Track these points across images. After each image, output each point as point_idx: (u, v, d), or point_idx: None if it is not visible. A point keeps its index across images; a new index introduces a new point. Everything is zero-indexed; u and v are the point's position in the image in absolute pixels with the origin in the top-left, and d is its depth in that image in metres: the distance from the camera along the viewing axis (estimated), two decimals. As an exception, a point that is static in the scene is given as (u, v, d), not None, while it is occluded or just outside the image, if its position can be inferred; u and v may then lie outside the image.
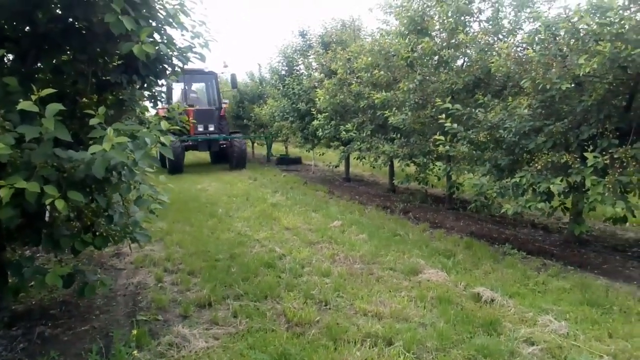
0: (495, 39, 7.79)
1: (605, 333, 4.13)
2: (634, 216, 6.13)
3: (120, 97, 4.02)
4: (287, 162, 19.95)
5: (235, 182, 14.15)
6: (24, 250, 4.37)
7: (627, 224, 6.64)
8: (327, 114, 11.63)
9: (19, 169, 2.84)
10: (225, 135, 17.93)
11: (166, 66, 4.13)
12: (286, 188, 12.93)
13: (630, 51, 4.49)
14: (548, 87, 5.43)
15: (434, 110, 8.09)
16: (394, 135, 9.60)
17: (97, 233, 3.98)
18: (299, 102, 13.68)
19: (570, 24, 5.24)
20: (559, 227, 8.56)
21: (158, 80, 4.24)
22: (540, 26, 5.90)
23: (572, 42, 5.27)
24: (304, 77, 13.90)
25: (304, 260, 6.33)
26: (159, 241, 7.45)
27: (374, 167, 14.08)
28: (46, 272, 3.53)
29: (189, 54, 4.31)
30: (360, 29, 14.31)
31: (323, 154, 16.59)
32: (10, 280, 4.29)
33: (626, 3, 4.80)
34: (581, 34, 5.20)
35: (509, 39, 7.52)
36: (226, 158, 18.26)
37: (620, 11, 4.76)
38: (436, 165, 7.67)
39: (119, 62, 3.95)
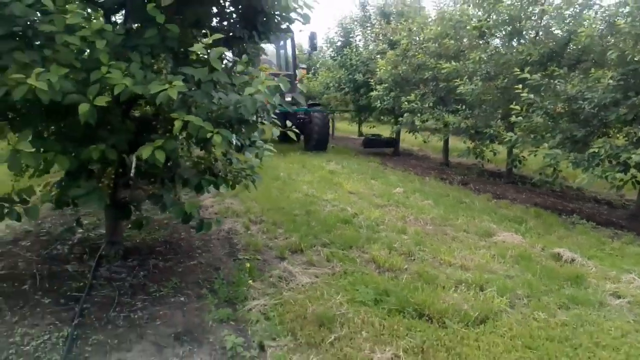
0: (577, 10, 7.76)
1: (690, 293, 4.30)
2: None
3: (244, 51, 4.34)
4: (378, 144, 15.41)
5: (287, 151, 14.56)
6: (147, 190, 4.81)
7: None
8: (387, 85, 11.76)
9: (179, 107, 3.21)
10: (305, 108, 14.42)
11: (282, 22, 4.40)
12: (337, 158, 13.22)
13: None
14: (637, 58, 5.48)
15: (505, 80, 8.16)
16: (458, 107, 9.70)
17: (217, 175, 4.36)
18: (356, 72, 13.82)
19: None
20: (623, 203, 8.58)
21: (272, 37, 4.53)
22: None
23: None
24: (362, 49, 14.00)
25: (377, 219, 6.63)
26: (234, 197, 7.89)
27: (425, 142, 14.23)
28: (182, 204, 3.95)
29: (292, 14, 4.57)
30: (420, 1, 14.26)
31: (374, 126, 16.75)
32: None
33: None
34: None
35: (588, 11, 7.51)
36: (298, 136, 16.18)
37: None
38: (504, 135, 7.73)
39: (239, 18, 4.26)
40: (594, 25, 6.30)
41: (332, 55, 15.79)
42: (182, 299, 4.09)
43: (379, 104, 12.39)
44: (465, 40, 9.83)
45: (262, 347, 3.28)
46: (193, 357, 3.19)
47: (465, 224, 6.49)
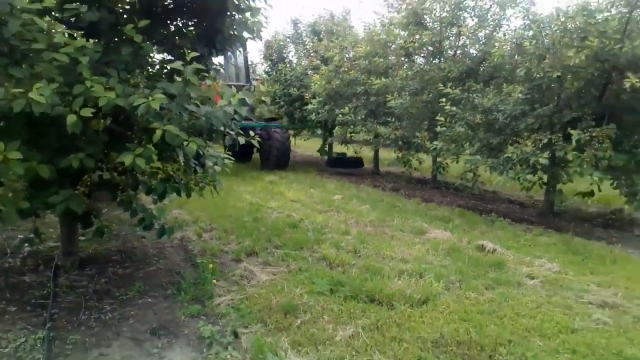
0: (489, 32, 8.83)
1: (587, 271, 5.18)
2: (600, 191, 7.31)
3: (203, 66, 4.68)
4: (346, 164, 14.04)
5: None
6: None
7: (592, 199, 7.79)
8: (321, 99, 12.39)
9: (155, 118, 3.51)
10: (263, 124, 13.28)
11: (236, 38, 4.78)
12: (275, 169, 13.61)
13: (613, 46, 5.54)
14: (540, 75, 6.45)
15: (430, 95, 9.05)
16: (388, 119, 10.51)
17: (177, 182, 4.64)
18: (290, 87, 14.37)
19: (560, 22, 6.27)
20: (533, 202, 9.72)
21: (228, 53, 4.91)
22: (531, 23, 6.92)
23: (562, 38, 6.30)
24: (296, 64, 14.59)
25: (321, 223, 7.13)
26: (180, 207, 8.05)
27: (356, 152, 15.06)
28: (148, 210, 4.20)
29: (245, 33, 4.98)
30: (348, 20, 15.12)
31: (307, 138, 17.36)
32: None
33: (608, 6, 5.87)
34: (570, 31, 6.24)
35: (498, 33, 8.59)
36: (250, 154, 14.65)
37: (605, 13, 5.81)
38: (429, 145, 8.57)
39: (199, 37, 4.61)
40: (504, 46, 7.28)
41: (267, 70, 16.26)
42: (149, 300, 4.32)
43: (314, 117, 12.98)
44: (392, 58, 10.70)
45: (235, 334, 3.62)
46: (172, 347, 3.47)
47: (400, 225, 7.15)
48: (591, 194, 7.53)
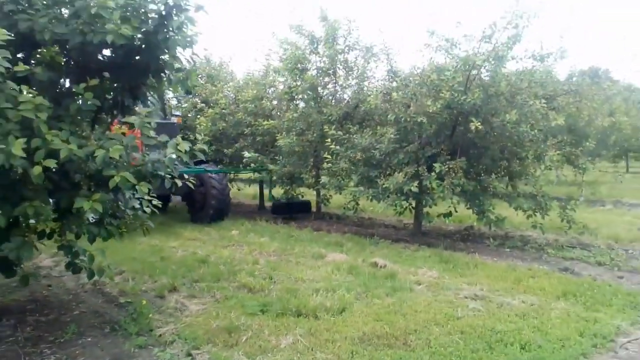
0: (357, 81, 10.34)
1: (458, 275, 6.48)
2: (456, 211, 8.97)
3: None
4: (293, 208, 12.32)
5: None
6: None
7: (450, 219, 9.43)
8: (208, 139, 12.85)
9: (106, 166, 3.91)
10: (195, 168, 10.72)
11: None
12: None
13: (460, 97, 7.15)
14: (407, 119, 7.88)
15: (314, 135, 10.18)
16: (276, 157, 11.41)
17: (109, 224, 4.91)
18: (173, 128, 14.53)
19: (419, 77, 7.83)
20: (404, 225, 11.26)
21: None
22: (394, 77, 8.44)
23: (422, 90, 7.85)
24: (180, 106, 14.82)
25: (229, 257, 7.62)
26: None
27: (239, 190, 15.72)
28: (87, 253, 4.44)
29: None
30: (224, 66, 15.89)
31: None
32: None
33: (454, 66, 7.56)
34: (427, 85, 7.81)
35: (365, 82, 10.16)
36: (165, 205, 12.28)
37: (453, 71, 7.45)
38: (314, 180, 9.59)
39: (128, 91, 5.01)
40: (376, 96, 8.70)
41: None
42: (89, 339, 4.49)
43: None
44: (275, 102, 11.74)
45: (190, 355, 4.04)
46: (134, 374, 3.79)
47: (301, 252, 7.96)
48: (449, 214, 9.18)
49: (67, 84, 4.52)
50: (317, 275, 6.43)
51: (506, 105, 7.67)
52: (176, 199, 13.40)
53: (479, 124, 7.19)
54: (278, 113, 11.46)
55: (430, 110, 7.43)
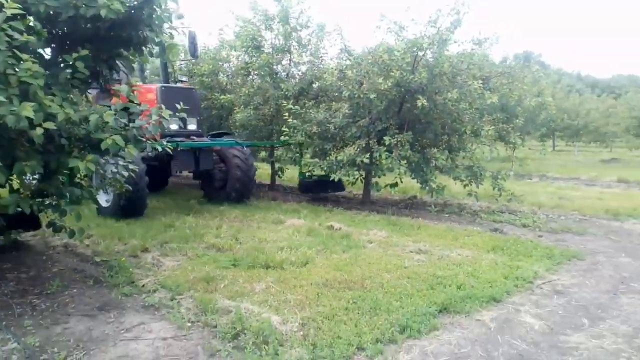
0: (311, 58, 10.89)
1: (404, 235, 7.30)
2: (402, 182, 9.82)
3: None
4: (323, 186, 10.83)
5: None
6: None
7: (395, 189, 10.27)
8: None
9: (96, 129, 4.28)
10: (230, 140, 9.92)
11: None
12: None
13: (408, 76, 7.89)
14: (360, 96, 8.55)
15: (271, 109, 10.66)
16: (236, 131, 11.80)
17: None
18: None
19: (372, 57, 8.49)
20: (354, 195, 12.04)
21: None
22: (348, 57, 9.06)
23: (374, 69, 8.52)
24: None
25: (193, 222, 8.05)
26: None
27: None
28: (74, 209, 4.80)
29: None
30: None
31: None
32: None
33: (404, 47, 8.28)
34: (379, 64, 8.49)
35: (319, 59, 10.73)
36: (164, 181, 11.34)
37: (402, 52, 8.16)
38: (270, 154, 10.09)
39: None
40: (332, 73, 9.29)
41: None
42: (75, 290, 4.87)
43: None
44: (231, 77, 12.06)
45: (174, 299, 4.56)
46: (125, 315, 4.26)
47: (262, 218, 8.51)
48: (396, 184, 10.01)
49: (50, 54, 4.78)
50: (279, 237, 7.03)
51: (448, 85, 8.51)
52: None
53: (425, 101, 7.97)
54: (234, 87, 11.78)
55: (382, 88, 8.12)
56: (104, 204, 8.22)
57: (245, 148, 9.81)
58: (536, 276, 5.46)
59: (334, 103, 9.34)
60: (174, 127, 9.28)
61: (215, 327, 3.95)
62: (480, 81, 8.55)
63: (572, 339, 3.90)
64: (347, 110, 8.96)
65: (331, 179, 9.28)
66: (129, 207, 8.22)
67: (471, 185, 9.16)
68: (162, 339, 3.79)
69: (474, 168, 8.96)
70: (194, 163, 9.32)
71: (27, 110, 3.44)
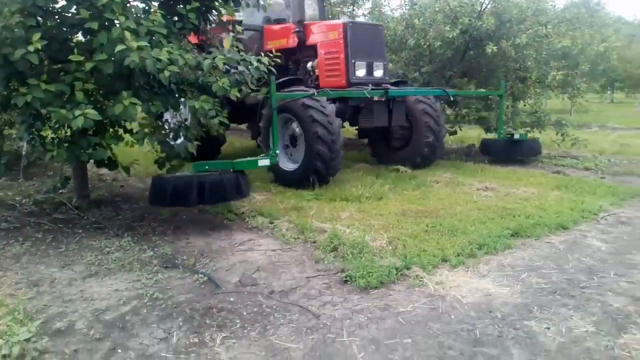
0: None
1: (469, 176, 7.68)
2: (461, 130, 10.02)
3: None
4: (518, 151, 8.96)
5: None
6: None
7: (453, 137, 10.50)
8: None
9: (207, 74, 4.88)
10: (436, 90, 8.41)
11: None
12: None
13: (475, 22, 8.07)
14: (427, 45, 8.79)
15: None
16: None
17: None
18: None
19: (439, 5, 8.69)
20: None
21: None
22: (414, 6, 9.28)
23: (438, 17, 8.72)
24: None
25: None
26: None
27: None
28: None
29: None
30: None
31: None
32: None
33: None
34: (446, 12, 8.67)
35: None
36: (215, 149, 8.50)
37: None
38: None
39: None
40: (398, 21, 9.55)
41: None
42: (184, 217, 5.64)
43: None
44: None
45: (272, 222, 5.23)
46: (234, 233, 4.96)
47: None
48: (455, 132, 10.29)
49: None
50: (351, 177, 7.58)
51: (516, 30, 8.60)
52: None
53: (494, 47, 8.12)
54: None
55: (449, 36, 8.33)
56: (288, 167, 7.07)
57: (437, 103, 8.27)
58: (601, 209, 5.79)
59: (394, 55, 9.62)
60: (360, 73, 7.60)
61: (315, 242, 4.60)
62: (549, 26, 8.59)
63: (637, 257, 4.30)
64: (410, 58, 9.23)
65: None
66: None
67: (533, 131, 9.34)
68: (271, 250, 4.47)
69: (538, 114, 9.11)
70: (387, 117, 7.67)
71: (164, 54, 4.05)
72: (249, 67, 5.16)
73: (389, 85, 7.79)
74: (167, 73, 4.34)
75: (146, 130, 4.91)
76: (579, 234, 4.94)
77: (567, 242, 4.70)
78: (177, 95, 5.19)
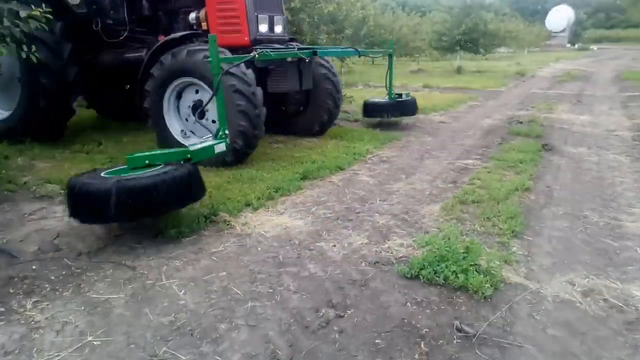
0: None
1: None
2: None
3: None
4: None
5: None
6: None
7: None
8: None
9: None
10: (349, 49, 8.41)
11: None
12: None
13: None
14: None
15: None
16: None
17: None
18: None
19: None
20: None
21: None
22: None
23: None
24: None
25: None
26: None
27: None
28: None
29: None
30: None
31: None
32: None
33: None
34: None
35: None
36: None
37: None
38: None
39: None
40: None
41: None
42: None
43: None
44: None
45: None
46: (51, 204, 4.55)
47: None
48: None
49: None
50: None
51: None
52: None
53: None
54: None
55: None
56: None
57: (334, 66, 7.69)
58: (368, 152, 6.97)
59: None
60: (263, 28, 6.50)
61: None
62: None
63: (394, 186, 5.43)
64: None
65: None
66: (244, 150, 5.82)
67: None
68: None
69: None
70: (298, 80, 6.70)
71: None
72: (16, 20, 4.58)
73: (295, 44, 7.14)
74: None
75: None
76: (353, 173, 5.93)
77: (344, 179, 5.63)
78: None
